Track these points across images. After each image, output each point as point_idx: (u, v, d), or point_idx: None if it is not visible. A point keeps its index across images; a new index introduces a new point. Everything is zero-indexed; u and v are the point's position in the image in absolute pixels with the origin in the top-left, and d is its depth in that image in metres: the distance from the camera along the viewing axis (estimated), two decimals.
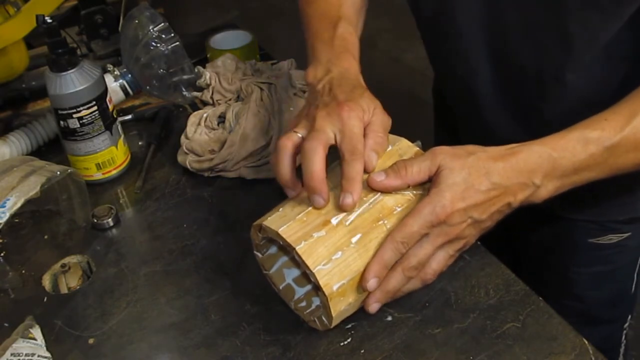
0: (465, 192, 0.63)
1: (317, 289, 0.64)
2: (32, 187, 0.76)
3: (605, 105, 0.67)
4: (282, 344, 0.70)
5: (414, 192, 0.66)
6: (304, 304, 0.72)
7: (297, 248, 0.62)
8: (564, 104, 0.80)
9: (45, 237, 0.88)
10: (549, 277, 1.01)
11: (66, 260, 0.83)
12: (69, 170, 0.82)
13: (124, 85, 1.03)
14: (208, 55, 1.17)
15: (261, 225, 0.66)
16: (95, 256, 0.84)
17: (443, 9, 0.82)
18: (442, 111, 1.08)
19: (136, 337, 0.73)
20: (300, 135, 0.67)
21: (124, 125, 1.02)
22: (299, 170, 0.67)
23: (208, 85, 1.04)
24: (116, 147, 0.94)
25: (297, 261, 0.65)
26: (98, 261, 0.83)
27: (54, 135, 1.01)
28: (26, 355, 0.68)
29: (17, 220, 0.89)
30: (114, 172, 0.95)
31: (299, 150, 0.67)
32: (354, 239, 0.64)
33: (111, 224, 0.88)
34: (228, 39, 1.18)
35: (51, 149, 1.01)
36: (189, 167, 0.94)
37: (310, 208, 0.65)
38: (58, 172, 0.79)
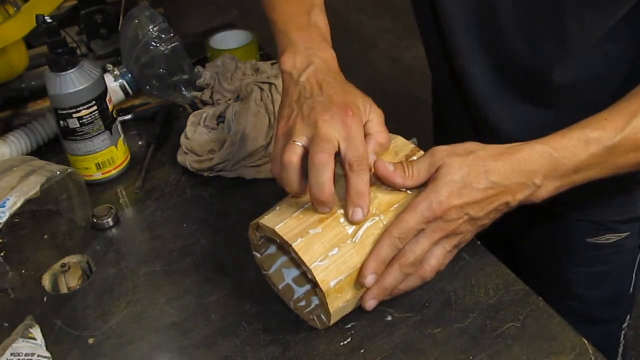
0: (463, 189, 0.63)
1: (315, 286, 0.64)
2: (32, 187, 0.76)
3: (604, 104, 0.67)
4: (282, 344, 0.70)
5: (411, 190, 0.67)
6: (303, 303, 0.72)
7: (294, 245, 0.62)
8: (559, 101, 0.80)
9: (45, 237, 0.88)
10: (547, 277, 1.01)
11: (66, 260, 0.83)
12: (69, 170, 0.82)
13: (124, 85, 1.03)
14: (208, 55, 1.17)
15: (258, 224, 0.66)
16: (95, 256, 0.84)
17: (439, 6, 0.82)
18: (440, 111, 1.08)
19: (136, 337, 0.73)
20: (301, 145, 0.63)
21: (124, 125, 1.02)
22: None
23: (208, 85, 1.04)
24: (116, 147, 0.94)
25: (296, 261, 0.65)
26: (98, 261, 0.83)
27: (54, 135, 1.01)
28: (26, 355, 0.68)
29: (17, 220, 0.89)
30: (114, 172, 0.95)
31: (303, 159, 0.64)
32: (350, 236, 0.64)
33: (111, 224, 0.88)
34: (228, 39, 1.18)
35: (51, 149, 1.01)
36: (189, 167, 0.94)
37: (306, 206, 0.65)
38: (58, 172, 0.79)
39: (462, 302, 0.73)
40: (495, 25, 0.78)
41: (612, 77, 0.77)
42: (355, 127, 0.63)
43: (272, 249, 0.72)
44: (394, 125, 0.71)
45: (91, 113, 0.89)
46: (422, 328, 0.70)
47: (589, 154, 0.64)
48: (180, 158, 0.95)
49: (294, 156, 0.63)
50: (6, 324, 0.75)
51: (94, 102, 0.89)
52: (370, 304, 0.67)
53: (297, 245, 0.62)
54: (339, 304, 0.65)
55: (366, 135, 0.66)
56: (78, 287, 0.81)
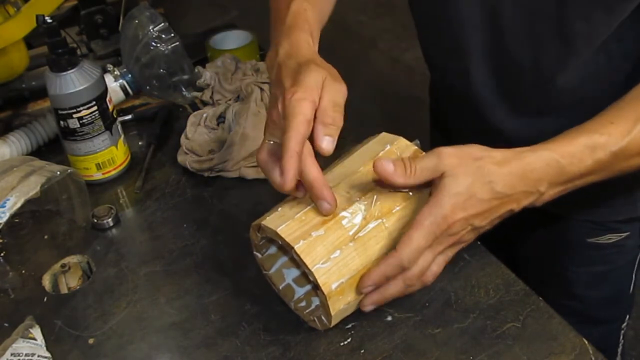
0: (467, 201, 0.62)
1: (316, 288, 0.64)
2: (32, 187, 0.76)
3: (605, 105, 0.67)
4: (282, 344, 0.70)
5: (412, 191, 0.66)
6: (303, 303, 0.72)
7: (296, 247, 0.62)
8: (562, 101, 0.80)
9: (45, 237, 0.88)
10: (547, 277, 1.01)
11: (66, 260, 0.83)
12: (69, 170, 0.82)
13: (124, 85, 1.03)
14: (208, 55, 1.17)
15: (260, 224, 0.66)
16: (95, 256, 0.84)
17: (440, 4, 0.82)
18: (437, 111, 1.08)
19: (136, 337, 0.73)
20: (271, 142, 0.64)
21: (124, 125, 1.02)
22: None
23: (208, 85, 1.04)
24: (116, 147, 0.94)
25: (296, 261, 0.65)
26: (98, 261, 0.83)
27: (54, 135, 1.01)
28: (26, 355, 0.68)
29: (17, 220, 0.89)
30: (114, 172, 0.95)
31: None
32: (352, 238, 0.64)
33: (111, 224, 0.88)
34: (228, 39, 1.18)
35: (51, 149, 1.01)
36: (189, 167, 0.94)
37: (308, 207, 0.65)
38: (58, 172, 0.79)
39: (462, 302, 0.73)
40: (498, 27, 0.78)
41: (615, 77, 0.77)
42: (289, 111, 0.60)
43: (273, 249, 0.72)
44: (394, 126, 0.71)
45: (91, 113, 0.89)
46: (422, 328, 0.70)
47: (595, 160, 0.63)
48: (180, 158, 0.95)
49: (262, 154, 0.64)
50: (6, 324, 0.75)
51: (94, 102, 0.89)
52: (369, 308, 0.67)
53: (299, 248, 0.62)
54: (340, 305, 0.65)
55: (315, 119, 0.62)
56: (78, 287, 0.81)
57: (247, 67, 1.07)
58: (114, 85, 1.02)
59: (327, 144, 0.61)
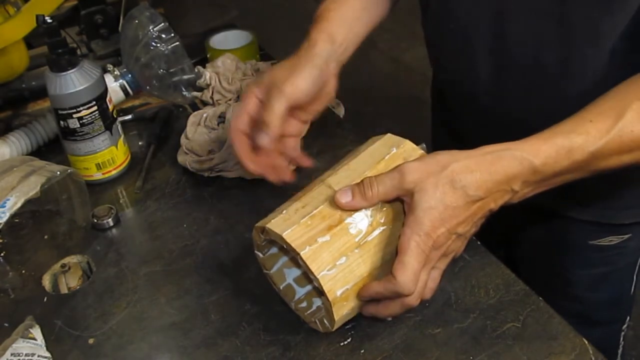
0: (444, 212, 0.61)
1: (319, 291, 0.64)
2: (32, 187, 0.76)
3: None
4: (282, 344, 0.70)
5: None
6: (304, 304, 0.72)
7: (302, 253, 0.62)
8: (563, 98, 0.80)
9: (45, 237, 0.88)
10: (547, 278, 1.00)
11: (66, 260, 0.83)
12: (69, 170, 0.82)
13: (124, 85, 1.03)
14: (208, 55, 1.17)
15: (264, 227, 0.66)
16: (95, 256, 0.84)
17: (447, 4, 0.82)
18: (442, 111, 1.08)
19: (136, 337, 0.73)
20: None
21: (124, 125, 1.02)
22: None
23: (208, 85, 1.04)
24: (116, 147, 0.94)
25: (297, 261, 0.65)
26: (98, 261, 0.83)
27: (54, 135, 1.01)
28: (26, 355, 0.68)
29: (17, 220, 0.89)
30: (114, 172, 0.95)
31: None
32: (357, 245, 0.64)
33: (111, 224, 0.88)
34: (228, 39, 1.18)
35: (51, 149, 1.01)
36: (189, 167, 0.94)
37: (314, 212, 0.64)
38: (58, 172, 0.79)
39: (462, 302, 0.73)
40: (502, 26, 0.78)
41: (618, 76, 0.76)
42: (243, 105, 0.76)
43: (274, 249, 0.72)
44: (394, 126, 0.70)
45: (91, 113, 0.89)
46: (422, 328, 0.70)
47: (571, 160, 0.62)
48: (180, 158, 0.95)
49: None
50: (6, 324, 0.75)
51: (94, 102, 0.89)
52: (368, 314, 0.67)
53: (305, 254, 0.62)
54: (344, 311, 0.65)
55: None
56: (78, 287, 0.81)
57: (247, 67, 1.07)
58: (114, 85, 1.02)
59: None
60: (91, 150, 0.92)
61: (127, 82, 1.02)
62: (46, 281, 0.81)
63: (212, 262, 0.81)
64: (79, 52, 1.21)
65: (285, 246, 0.64)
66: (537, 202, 0.79)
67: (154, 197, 0.93)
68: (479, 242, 0.79)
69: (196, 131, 0.96)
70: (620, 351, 1.08)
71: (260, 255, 0.72)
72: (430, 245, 0.61)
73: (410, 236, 0.60)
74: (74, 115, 0.88)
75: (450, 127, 1.02)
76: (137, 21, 1.00)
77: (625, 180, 0.87)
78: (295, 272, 0.73)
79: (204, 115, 0.98)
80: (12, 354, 0.67)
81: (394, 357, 0.68)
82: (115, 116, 0.94)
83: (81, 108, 0.88)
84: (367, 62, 3.00)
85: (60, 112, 0.88)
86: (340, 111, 1.03)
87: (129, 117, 1.08)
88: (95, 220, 0.87)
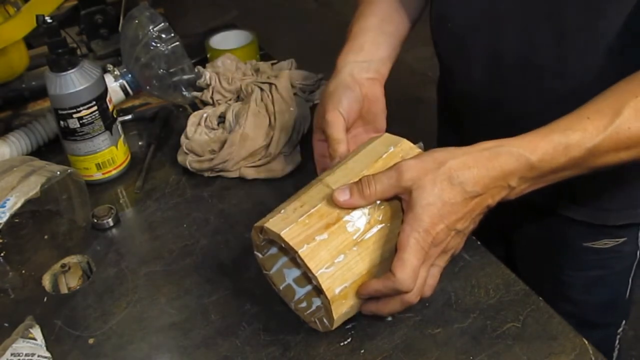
0: (443, 209, 0.61)
1: (318, 291, 0.64)
2: (32, 187, 0.76)
3: None
4: (282, 344, 0.70)
5: None
6: (304, 304, 0.72)
7: (300, 251, 0.62)
8: (560, 98, 0.80)
9: (45, 237, 0.88)
10: (543, 280, 1.00)
11: (66, 260, 0.83)
12: (69, 170, 0.82)
13: (124, 85, 1.03)
14: (208, 55, 1.17)
15: (262, 227, 0.66)
16: (95, 256, 0.84)
17: (444, 4, 0.83)
18: (445, 108, 1.08)
19: (136, 337, 0.73)
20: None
21: (124, 125, 1.02)
22: None
23: (208, 85, 1.04)
24: (116, 147, 0.94)
25: (297, 261, 0.65)
26: (98, 261, 0.83)
27: (54, 135, 1.01)
28: (26, 355, 0.68)
29: (17, 220, 0.89)
30: (114, 172, 0.95)
31: None
32: (356, 243, 0.64)
33: (111, 224, 0.88)
34: (228, 39, 1.18)
35: (51, 149, 1.01)
36: (189, 167, 0.94)
37: (312, 210, 0.64)
38: (58, 172, 0.79)
39: (462, 302, 0.73)
40: (496, 26, 0.78)
41: (614, 70, 0.76)
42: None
43: (274, 250, 0.72)
44: (394, 126, 0.71)
45: (91, 113, 0.89)
46: (422, 328, 0.70)
47: (569, 157, 0.62)
48: (180, 158, 0.95)
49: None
50: (6, 324, 0.75)
51: (94, 102, 0.89)
52: (368, 312, 0.67)
53: (303, 252, 0.62)
54: (343, 310, 0.65)
55: None
56: (78, 287, 0.81)
57: (247, 67, 1.07)
58: (114, 85, 1.02)
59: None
60: (91, 150, 0.92)
61: (127, 82, 1.02)
62: (46, 281, 0.81)
63: (212, 262, 0.81)
64: (79, 52, 1.21)
65: (283, 245, 0.64)
66: (533, 200, 0.79)
67: (154, 197, 0.93)
68: (478, 242, 0.79)
69: (196, 131, 0.96)
70: (615, 354, 1.08)
71: (260, 255, 0.72)
72: (430, 242, 0.61)
73: (409, 233, 0.61)
74: (74, 115, 0.88)
75: (454, 125, 1.02)
76: (137, 21, 1.00)
77: (619, 181, 0.87)
78: (295, 273, 0.73)
79: (204, 115, 0.98)
80: (12, 354, 0.67)
81: (394, 357, 0.68)
82: (115, 116, 0.94)
83: (81, 108, 0.88)
84: None
85: (60, 112, 0.88)
86: None
87: (129, 117, 1.08)
88: (95, 220, 0.87)
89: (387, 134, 0.72)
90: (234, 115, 0.95)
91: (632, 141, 0.63)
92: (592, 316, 1.01)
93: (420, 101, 2.71)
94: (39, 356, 0.69)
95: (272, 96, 0.96)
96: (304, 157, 0.95)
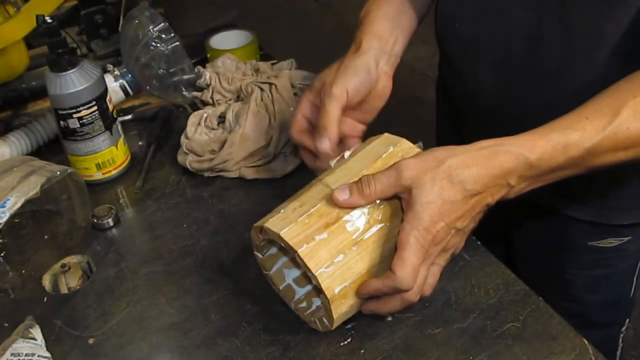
0: (443, 207, 0.61)
1: (318, 290, 0.64)
2: (32, 187, 0.76)
3: None
4: (282, 344, 0.70)
5: None
6: (304, 304, 0.72)
7: (299, 251, 0.62)
8: (564, 97, 0.80)
9: (45, 237, 0.88)
10: (546, 279, 1.00)
11: (66, 260, 0.83)
12: (69, 170, 0.82)
13: (124, 85, 1.03)
14: (208, 55, 1.17)
15: (262, 226, 0.66)
16: (95, 256, 0.84)
17: (454, 5, 0.83)
18: (444, 107, 1.08)
19: (136, 337, 0.73)
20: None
21: (124, 125, 1.02)
22: None
23: (208, 85, 1.04)
24: (116, 147, 0.94)
25: (297, 262, 0.65)
26: (98, 261, 0.83)
27: (54, 135, 1.01)
28: (26, 355, 0.68)
29: (17, 220, 0.89)
30: (114, 172, 0.95)
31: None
32: (355, 242, 0.64)
33: (111, 224, 0.88)
34: (228, 39, 1.18)
35: (51, 149, 1.01)
36: (189, 167, 0.94)
37: (312, 210, 0.64)
38: (58, 172, 0.79)
39: (462, 302, 0.73)
40: (506, 26, 0.78)
41: (620, 76, 0.76)
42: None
43: (274, 250, 0.72)
44: (394, 126, 0.71)
45: (91, 113, 0.89)
46: (422, 328, 0.70)
47: (567, 156, 0.63)
48: (180, 158, 0.95)
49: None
50: (6, 324, 0.75)
51: (94, 102, 0.89)
52: (368, 312, 0.67)
53: (303, 252, 0.62)
54: (343, 309, 0.65)
55: None
56: (78, 287, 0.81)
57: (247, 67, 1.07)
58: (114, 85, 1.02)
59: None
60: (91, 150, 0.92)
61: (127, 82, 1.02)
62: (46, 281, 0.81)
63: (212, 262, 0.81)
64: (79, 52, 1.21)
65: (283, 245, 0.64)
66: (537, 200, 0.79)
67: (154, 197, 0.93)
68: (478, 242, 0.79)
69: (196, 131, 0.96)
70: (619, 353, 1.08)
71: (260, 255, 0.72)
72: (430, 240, 0.61)
73: (409, 232, 0.61)
74: (74, 115, 0.88)
75: (454, 124, 1.02)
76: (137, 21, 1.00)
77: (624, 181, 0.87)
78: (295, 273, 0.73)
79: (204, 115, 0.98)
80: (12, 354, 0.67)
81: (394, 357, 0.68)
82: (115, 116, 0.94)
83: (81, 108, 0.88)
84: None
85: (60, 112, 0.88)
86: None
87: (129, 117, 1.08)
88: (95, 220, 0.87)
89: (386, 134, 0.72)
90: (234, 115, 0.95)
91: (631, 141, 0.63)
92: (595, 315, 1.01)
93: (420, 101, 2.71)
94: (39, 356, 0.69)
95: (272, 96, 0.96)
96: None
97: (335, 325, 0.67)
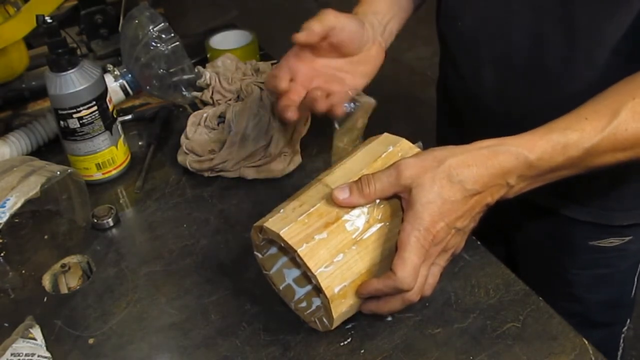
0: (443, 207, 0.61)
1: (318, 290, 0.64)
2: (32, 187, 0.76)
3: None
4: (282, 344, 0.70)
5: None
6: (304, 304, 0.72)
7: (299, 250, 0.62)
8: (566, 98, 0.80)
9: (45, 237, 0.88)
10: (548, 278, 1.00)
11: (66, 260, 0.83)
12: (69, 170, 0.82)
13: (124, 85, 1.03)
14: (208, 55, 1.17)
15: (262, 226, 0.66)
16: (95, 256, 0.84)
17: (456, 4, 0.83)
18: (445, 107, 1.08)
19: (136, 337, 0.73)
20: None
21: (124, 125, 1.02)
22: None
23: (208, 85, 1.04)
24: (116, 147, 0.94)
25: (297, 261, 0.65)
26: (98, 261, 0.83)
27: (54, 135, 1.01)
28: (26, 355, 0.68)
29: (17, 220, 0.89)
30: (114, 172, 0.95)
31: None
32: (355, 242, 0.64)
33: (111, 224, 0.88)
34: (228, 39, 1.18)
35: (51, 149, 1.01)
36: (189, 167, 0.94)
37: (311, 210, 0.64)
38: (58, 172, 0.79)
39: (462, 302, 0.73)
40: (508, 26, 0.78)
41: (621, 74, 0.76)
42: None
43: (274, 250, 0.72)
44: (394, 126, 0.70)
45: (91, 113, 0.89)
46: (422, 328, 0.70)
47: (567, 157, 0.63)
48: (180, 158, 0.95)
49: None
50: (6, 324, 0.75)
51: (94, 102, 0.89)
52: (368, 311, 0.67)
53: (302, 251, 0.62)
54: (342, 309, 0.65)
55: None
56: (78, 287, 0.81)
57: (247, 67, 1.07)
58: (114, 85, 1.02)
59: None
60: (91, 150, 0.92)
61: (127, 82, 1.02)
62: (46, 281, 0.81)
63: (212, 262, 0.81)
64: (79, 52, 1.21)
65: (283, 244, 0.64)
66: (537, 201, 0.79)
67: (154, 197, 0.93)
68: (478, 242, 0.79)
69: (196, 131, 0.96)
70: (619, 353, 1.08)
71: (260, 255, 0.72)
72: (430, 240, 0.61)
73: (410, 231, 0.61)
74: (74, 115, 0.88)
75: (455, 124, 1.02)
76: (137, 21, 1.00)
77: (625, 181, 0.87)
78: (295, 273, 0.73)
79: (204, 115, 0.98)
80: (12, 354, 0.67)
81: (394, 357, 0.68)
82: (115, 116, 0.94)
83: (81, 108, 0.88)
84: None
85: (60, 112, 0.88)
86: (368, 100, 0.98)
87: (129, 117, 1.08)
88: (95, 220, 0.87)
89: (386, 134, 0.72)
90: (234, 115, 0.95)
91: (629, 142, 0.63)
92: (596, 315, 1.02)
93: (420, 101, 2.71)
94: (39, 356, 0.69)
95: (272, 96, 0.96)
96: (304, 157, 0.95)
97: (335, 325, 0.67)
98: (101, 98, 0.90)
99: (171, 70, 1.00)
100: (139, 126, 1.07)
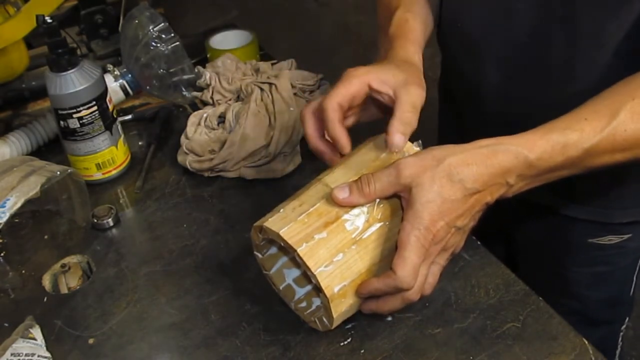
0: (442, 206, 0.61)
1: (318, 290, 0.64)
2: (32, 187, 0.76)
3: None
4: (282, 344, 0.70)
5: None
6: (304, 304, 0.72)
7: (299, 250, 0.62)
8: (568, 98, 0.80)
9: (45, 237, 0.88)
10: (547, 276, 1.01)
11: (66, 260, 0.83)
12: (69, 170, 0.82)
13: (124, 85, 1.03)
14: (208, 55, 1.17)
15: (262, 226, 0.66)
16: (95, 256, 0.84)
17: (458, 5, 0.83)
18: (447, 107, 1.08)
19: (136, 337, 0.73)
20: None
21: (124, 125, 1.02)
22: None
23: (208, 85, 1.04)
24: (116, 147, 0.94)
25: (297, 261, 0.65)
26: (98, 261, 0.83)
27: (54, 135, 1.01)
28: (26, 355, 0.68)
29: (17, 220, 0.89)
30: (114, 172, 0.95)
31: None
32: (354, 241, 0.64)
33: (111, 224, 0.88)
34: (228, 39, 1.18)
35: (51, 149, 1.01)
36: (189, 167, 0.94)
37: (311, 209, 0.64)
38: (58, 172, 0.79)
39: (462, 302, 0.73)
40: (510, 27, 0.78)
41: (624, 74, 0.76)
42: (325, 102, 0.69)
43: (274, 250, 0.72)
44: None
45: (91, 113, 0.89)
46: (422, 328, 0.71)
47: (566, 156, 0.63)
48: (180, 158, 0.95)
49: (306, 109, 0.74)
50: (6, 324, 0.75)
51: (94, 102, 0.89)
52: (368, 312, 0.67)
53: (302, 250, 0.62)
54: (342, 308, 0.65)
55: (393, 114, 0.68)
56: (78, 287, 0.81)
57: (247, 67, 1.07)
58: (114, 85, 1.02)
59: (399, 140, 0.65)
60: (91, 150, 0.92)
61: (127, 82, 1.03)
62: (46, 281, 0.81)
63: (212, 262, 0.81)
64: (79, 52, 1.21)
65: (282, 244, 0.64)
66: (537, 200, 0.79)
67: (154, 197, 0.93)
68: (478, 242, 0.79)
69: (196, 131, 0.96)
70: (618, 352, 1.08)
71: (260, 255, 0.72)
72: (430, 240, 0.61)
73: (410, 231, 0.61)
74: (74, 115, 0.88)
75: (457, 124, 1.02)
76: (137, 21, 1.00)
77: (624, 180, 0.87)
78: (295, 273, 0.73)
79: (204, 115, 0.98)
80: (12, 354, 0.68)
81: (394, 357, 0.68)
82: (115, 116, 0.94)
83: (81, 108, 0.88)
84: (367, 62, 3.00)
85: (60, 112, 0.88)
86: None
87: (129, 117, 1.08)
88: (95, 220, 0.87)
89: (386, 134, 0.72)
90: (234, 115, 0.95)
91: (628, 143, 0.63)
92: (595, 313, 1.02)
93: None
94: (39, 356, 0.69)
95: (272, 96, 0.96)
96: (304, 157, 0.95)
97: (335, 325, 0.67)
98: (101, 98, 0.90)
99: (171, 70, 1.01)
100: (139, 126, 1.07)
